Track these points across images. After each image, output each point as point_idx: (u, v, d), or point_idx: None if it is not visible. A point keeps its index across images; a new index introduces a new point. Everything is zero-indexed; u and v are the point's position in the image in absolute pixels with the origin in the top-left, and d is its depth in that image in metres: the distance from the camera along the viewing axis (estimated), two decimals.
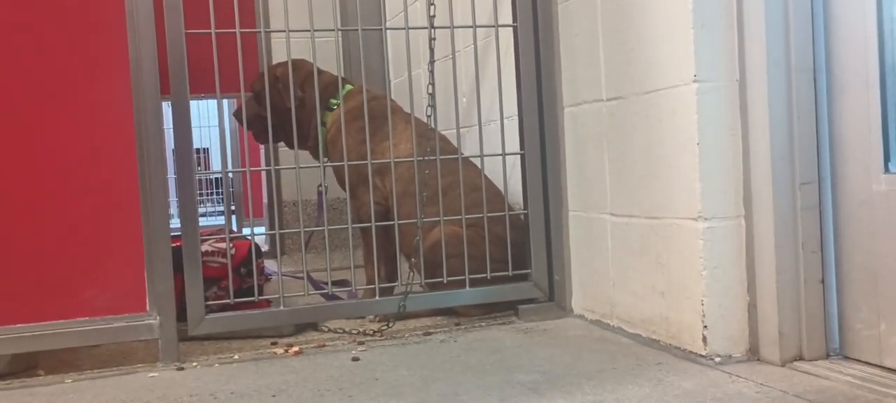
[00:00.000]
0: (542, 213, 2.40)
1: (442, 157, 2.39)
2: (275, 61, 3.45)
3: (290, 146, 2.38)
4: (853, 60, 1.65)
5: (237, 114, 2.86)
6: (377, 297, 2.35)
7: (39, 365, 2.07)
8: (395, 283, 2.54)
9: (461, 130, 2.66)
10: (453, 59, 2.40)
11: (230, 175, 5.77)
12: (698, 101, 1.78)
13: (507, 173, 2.52)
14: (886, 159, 1.60)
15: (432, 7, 2.38)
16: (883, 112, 1.60)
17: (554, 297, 2.40)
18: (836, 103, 1.70)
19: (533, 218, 2.39)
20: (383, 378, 1.81)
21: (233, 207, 5.73)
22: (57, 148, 2.00)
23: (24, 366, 2.05)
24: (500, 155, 2.44)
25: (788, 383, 1.60)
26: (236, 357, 2.11)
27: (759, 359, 1.78)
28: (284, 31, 2.22)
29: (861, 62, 1.63)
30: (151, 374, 1.97)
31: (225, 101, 5.19)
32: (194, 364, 2.05)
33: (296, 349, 2.13)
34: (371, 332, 2.27)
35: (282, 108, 2.57)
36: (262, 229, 4.76)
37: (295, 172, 2.26)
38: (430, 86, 2.38)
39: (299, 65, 2.69)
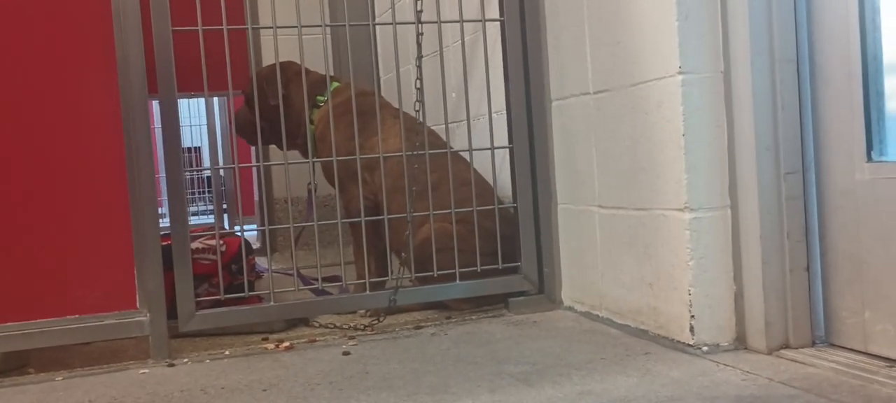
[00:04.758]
0: (532, 206, 2.41)
1: (431, 152, 2.39)
2: (263, 59, 3.45)
3: (281, 147, 2.39)
4: (836, 50, 1.67)
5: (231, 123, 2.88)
6: (368, 292, 2.36)
7: (30, 363, 2.08)
8: (386, 278, 2.55)
9: (450, 125, 2.67)
10: (441, 54, 2.41)
11: (220, 173, 5.77)
12: (684, 93, 1.80)
13: (496, 167, 2.53)
14: (869, 148, 1.61)
15: (419, 2, 2.39)
16: (865, 101, 1.61)
17: (544, 290, 2.41)
18: (820, 93, 1.71)
19: (522, 212, 2.40)
20: (374, 372, 1.82)
21: (224, 205, 5.73)
22: (44, 147, 2.00)
23: (15, 365, 2.05)
24: (489, 149, 2.45)
25: (774, 370, 1.62)
26: (227, 352, 2.12)
27: (746, 348, 1.80)
28: (272, 28, 2.22)
29: (844, 52, 1.65)
30: (142, 371, 1.98)
31: (215, 100, 5.20)
32: (185, 360, 2.06)
33: (286, 344, 2.14)
34: (362, 327, 2.28)
35: (271, 110, 2.57)
36: (252, 226, 4.76)
37: (284, 170, 2.27)
38: (419, 82, 2.38)
39: (287, 65, 2.70)
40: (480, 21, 2.44)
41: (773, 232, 1.74)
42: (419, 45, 2.37)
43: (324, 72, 2.61)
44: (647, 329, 2.00)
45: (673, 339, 1.89)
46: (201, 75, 2.13)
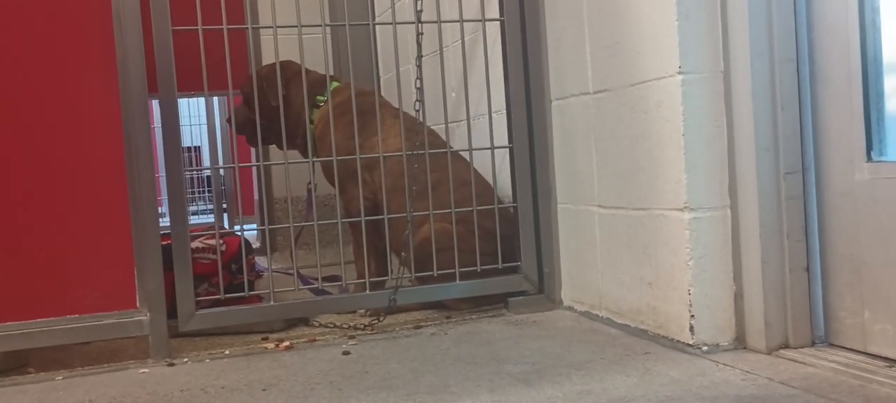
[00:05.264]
0: (531, 206, 2.41)
1: (431, 151, 2.39)
2: (263, 58, 3.45)
3: (281, 147, 2.39)
4: (836, 51, 1.67)
5: (231, 121, 2.87)
6: (367, 291, 2.36)
7: (30, 363, 2.08)
8: (386, 278, 2.55)
9: (450, 125, 2.67)
10: (441, 53, 2.41)
11: (220, 172, 5.76)
12: (683, 93, 1.80)
13: (495, 167, 2.53)
14: (869, 148, 1.62)
15: (419, 2, 2.39)
16: (865, 101, 1.61)
17: (543, 289, 2.41)
18: (820, 93, 1.72)
19: (522, 211, 2.40)
20: (374, 372, 1.82)
21: (224, 205, 5.73)
22: (44, 147, 2.00)
23: (15, 364, 2.05)
24: (489, 148, 2.45)
25: (774, 370, 1.62)
26: (227, 352, 2.12)
27: (745, 348, 1.80)
28: (272, 27, 2.22)
29: (843, 52, 1.65)
30: (142, 370, 1.98)
31: (215, 99, 5.20)
32: (185, 359, 2.06)
33: (286, 344, 2.14)
34: (361, 326, 2.28)
35: (270, 110, 2.57)
36: (252, 226, 4.76)
37: (284, 169, 2.27)
38: (419, 81, 2.38)
39: (286, 65, 2.70)
40: (480, 21, 2.44)
41: (772, 232, 1.75)
42: (419, 44, 2.37)
43: (323, 72, 2.61)
44: (646, 328, 2.00)
45: (672, 339, 1.89)
46: (201, 75, 2.13)
